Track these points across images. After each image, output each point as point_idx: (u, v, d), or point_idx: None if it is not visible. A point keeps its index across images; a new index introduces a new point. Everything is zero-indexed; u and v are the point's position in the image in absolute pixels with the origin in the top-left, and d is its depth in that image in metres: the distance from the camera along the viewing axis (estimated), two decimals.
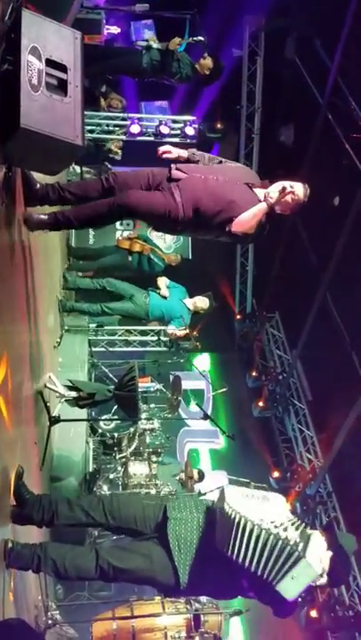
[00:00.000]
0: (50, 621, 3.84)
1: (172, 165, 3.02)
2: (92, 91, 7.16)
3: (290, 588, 2.27)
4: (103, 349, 7.27)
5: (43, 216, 2.90)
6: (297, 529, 2.35)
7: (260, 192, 2.98)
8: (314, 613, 5.97)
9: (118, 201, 2.94)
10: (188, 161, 3.15)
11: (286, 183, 2.93)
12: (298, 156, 6.94)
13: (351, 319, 6.54)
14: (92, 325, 7.51)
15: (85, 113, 7.27)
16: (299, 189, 2.94)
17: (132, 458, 5.56)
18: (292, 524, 2.36)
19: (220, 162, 3.16)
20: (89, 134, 7.29)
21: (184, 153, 3.16)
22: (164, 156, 3.13)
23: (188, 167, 3.03)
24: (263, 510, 2.37)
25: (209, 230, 3.08)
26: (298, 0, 6.74)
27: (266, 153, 7.76)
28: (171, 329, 6.00)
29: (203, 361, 8.55)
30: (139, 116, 7.32)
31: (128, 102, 7.45)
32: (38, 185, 2.91)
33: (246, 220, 2.90)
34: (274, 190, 2.91)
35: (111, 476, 5.47)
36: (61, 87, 2.47)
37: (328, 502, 6.88)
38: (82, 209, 3.04)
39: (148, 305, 5.77)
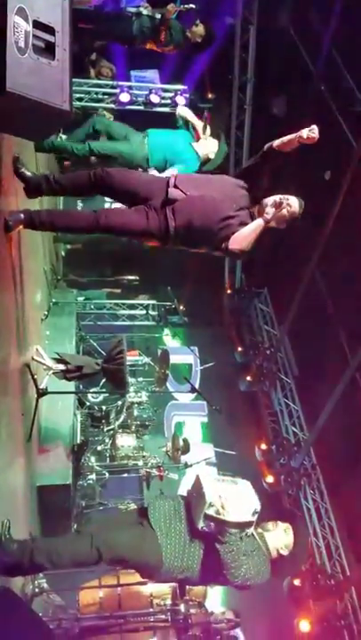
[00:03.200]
0: (37, 589, 3.90)
1: (171, 179, 2.93)
2: (82, 57, 6.98)
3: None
4: (91, 323, 7.26)
5: (20, 215, 2.80)
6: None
7: (255, 209, 2.98)
8: (297, 582, 6.14)
9: (102, 222, 2.86)
10: None
11: (281, 196, 2.91)
12: (290, 128, 6.84)
13: (338, 295, 6.56)
14: (80, 299, 7.48)
15: (74, 80, 7.06)
16: (294, 202, 2.92)
17: (120, 430, 5.60)
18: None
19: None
20: (77, 102, 7.12)
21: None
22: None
23: (187, 184, 2.93)
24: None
25: (202, 247, 3.06)
26: None
27: (258, 124, 7.64)
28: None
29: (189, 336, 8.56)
30: (128, 84, 7.15)
31: (118, 70, 7.27)
32: (30, 174, 2.89)
33: (244, 237, 2.87)
34: (268, 205, 2.88)
35: (99, 448, 5.52)
36: (49, 50, 2.39)
37: (312, 474, 7.00)
38: (62, 217, 3.07)
39: (146, 146, 4.66)
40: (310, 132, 2.91)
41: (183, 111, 4.98)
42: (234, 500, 2.57)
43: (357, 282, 6.05)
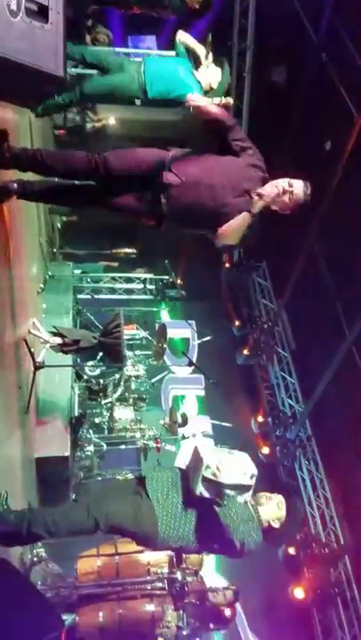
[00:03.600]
0: (35, 559, 3.97)
1: (168, 159, 2.71)
2: (77, 23, 6.78)
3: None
4: (88, 296, 7.22)
5: (12, 184, 2.68)
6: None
7: (255, 192, 2.78)
8: (292, 550, 6.27)
9: (102, 204, 2.79)
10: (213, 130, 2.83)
11: (284, 182, 2.73)
12: (290, 97, 6.71)
13: (338, 268, 6.53)
14: (77, 272, 7.43)
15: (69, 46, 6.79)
16: (298, 188, 2.74)
17: (118, 403, 5.63)
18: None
19: (242, 150, 2.82)
20: (72, 69, 6.95)
21: (217, 116, 2.79)
22: (191, 109, 2.85)
23: (185, 168, 2.72)
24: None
25: (197, 232, 2.97)
26: None
27: (257, 93, 7.48)
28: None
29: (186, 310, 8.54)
30: (125, 50, 6.97)
31: (114, 36, 7.07)
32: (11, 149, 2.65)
33: (229, 232, 2.75)
34: (266, 192, 2.73)
35: (97, 421, 5.56)
36: (42, 13, 2.31)
37: (307, 446, 7.08)
38: (59, 191, 2.87)
39: (143, 75, 4.15)
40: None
41: (184, 37, 4.58)
42: (230, 462, 2.62)
43: (357, 255, 6.01)
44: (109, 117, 7.34)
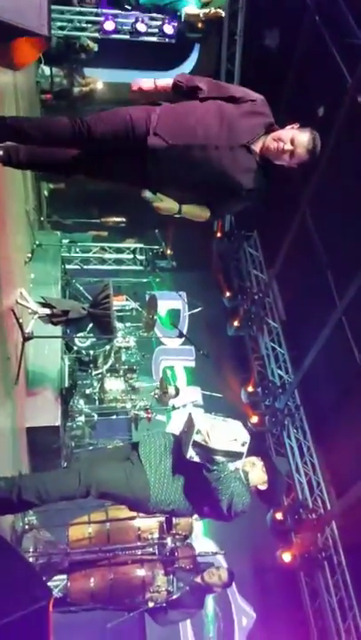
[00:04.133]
0: (26, 526, 4.01)
1: (153, 121, 2.42)
2: None
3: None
4: (77, 267, 7.14)
5: None
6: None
7: (258, 144, 2.49)
8: (279, 516, 6.40)
9: (90, 172, 2.59)
10: (175, 90, 2.54)
11: (286, 136, 2.43)
12: (283, 61, 6.54)
13: (329, 238, 6.48)
14: (65, 241, 7.33)
15: (55, 7, 6.66)
16: (301, 146, 2.42)
17: (108, 374, 5.63)
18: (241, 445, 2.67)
19: (231, 98, 2.49)
20: (59, 31, 6.73)
21: (167, 82, 2.55)
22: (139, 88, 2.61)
23: (172, 128, 2.43)
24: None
25: (192, 199, 2.63)
26: None
27: (249, 57, 7.29)
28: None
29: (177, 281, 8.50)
30: (113, 12, 6.75)
31: None
32: None
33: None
34: (272, 144, 2.43)
35: (87, 392, 5.56)
36: None
37: (296, 415, 7.16)
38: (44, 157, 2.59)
39: None
40: None
41: None
42: (221, 429, 2.64)
43: (349, 224, 5.97)
44: (97, 81, 7.15)
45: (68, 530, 4.28)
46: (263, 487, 2.83)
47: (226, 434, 2.64)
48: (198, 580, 3.94)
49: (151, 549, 4.05)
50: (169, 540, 3.94)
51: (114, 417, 5.54)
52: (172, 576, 3.95)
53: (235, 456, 2.66)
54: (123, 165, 2.56)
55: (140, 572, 4.08)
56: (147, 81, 2.64)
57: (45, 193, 7.89)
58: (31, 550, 4.02)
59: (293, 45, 6.31)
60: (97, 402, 5.49)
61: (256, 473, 2.82)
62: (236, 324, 8.36)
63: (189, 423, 2.70)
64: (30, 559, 3.94)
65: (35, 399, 4.52)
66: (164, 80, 2.59)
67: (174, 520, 3.99)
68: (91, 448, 5.40)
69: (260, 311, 8.22)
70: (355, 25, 5.52)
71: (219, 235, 9.12)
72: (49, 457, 4.67)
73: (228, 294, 8.70)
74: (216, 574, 3.91)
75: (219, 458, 2.62)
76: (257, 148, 2.47)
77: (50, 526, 4.37)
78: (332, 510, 6.35)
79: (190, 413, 2.74)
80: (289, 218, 7.03)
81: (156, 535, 4.09)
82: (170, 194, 2.57)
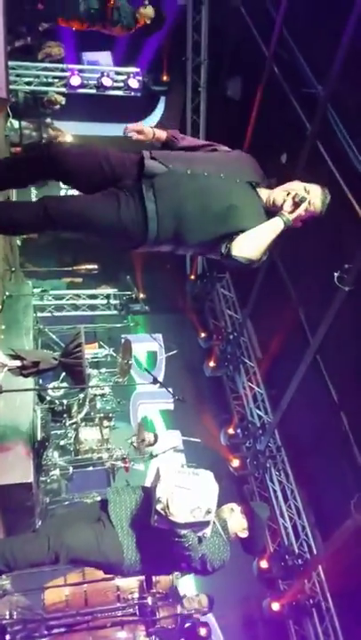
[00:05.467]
0: (0, 591, 3.82)
1: (145, 153, 2.20)
2: (28, 39, 6.72)
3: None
4: (49, 314, 7.10)
5: None
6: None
7: (263, 193, 2.28)
8: (264, 564, 6.23)
9: (50, 213, 2.13)
10: (165, 146, 2.33)
11: (300, 188, 2.23)
12: (246, 110, 6.77)
13: (298, 277, 6.59)
14: (37, 290, 7.30)
15: (21, 64, 6.82)
16: (316, 195, 2.25)
17: (83, 424, 5.50)
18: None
19: (215, 149, 2.38)
20: (26, 86, 6.89)
21: (162, 134, 2.35)
22: (134, 137, 2.31)
23: (167, 156, 2.22)
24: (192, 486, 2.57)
25: (194, 248, 2.34)
26: None
27: (213, 107, 7.54)
28: None
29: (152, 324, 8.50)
30: (79, 67, 6.96)
31: (68, 53, 7.04)
32: None
33: (253, 241, 2.14)
34: (286, 198, 2.21)
35: (62, 443, 5.41)
36: None
37: (277, 456, 7.08)
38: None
39: None
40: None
41: None
42: (182, 499, 2.48)
43: (316, 264, 6.07)
44: (66, 134, 7.28)
45: (44, 593, 4.10)
46: (244, 535, 2.73)
47: (188, 503, 2.46)
48: (179, 609, 3.76)
49: (132, 610, 3.89)
50: (150, 600, 3.79)
51: (90, 468, 5.37)
52: (153, 637, 3.79)
53: (199, 526, 2.51)
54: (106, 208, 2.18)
55: (121, 635, 3.92)
56: (146, 127, 2.41)
57: (18, 242, 7.90)
58: (7, 616, 3.82)
59: (255, 95, 6.55)
60: (72, 453, 5.34)
61: (235, 520, 2.73)
62: (211, 364, 8.36)
63: (156, 480, 2.62)
64: (6, 626, 3.74)
65: (5, 455, 4.37)
66: (159, 131, 2.41)
67: (154, 578, 3.84)
68: (66, 503, 5.22)
69: (236, 350, 8.24)
70: (311, 75, 5.78)
71: (192, 277, 9.24)
72: (22, 515, 4.49)
73: (203, 335, 8.74)
74: (196, 600, 3.77)
75: (181, 531, 2.48)
76: (263, 195, 2.28)
77: (25, 590, 4.17)
78: (318, 555, 6.20)
79: (158, 469, 2.65)
80: None
81: (137, 595, 3.95)
82: (164, 232, 2.18)
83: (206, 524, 2.53)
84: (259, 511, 2.79)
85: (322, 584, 6.05)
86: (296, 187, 2.26)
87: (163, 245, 2.25)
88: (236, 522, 2.74)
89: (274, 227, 2.19)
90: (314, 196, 2.26)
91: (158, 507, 2.48)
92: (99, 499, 5.12)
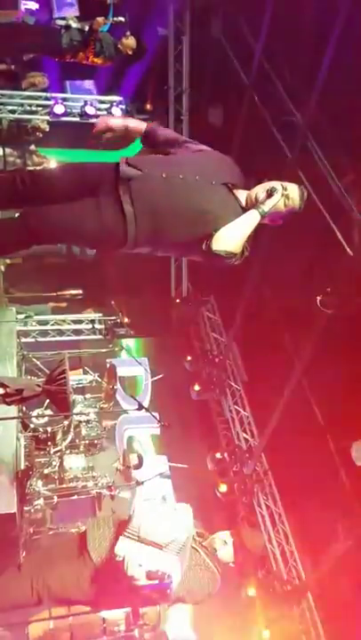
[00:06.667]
0: None
1: (122, 159, 2.26)
2: (12, 69, 6.83)
3: None
4: (33, 340, 7.05)
5: None
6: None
7: (241, 194, 2.34)
8: (252, 591, 6.14)
9: (31, 226, 2.19)
10: (147, 138, 2.36)
11: (276, 183, 2.30)
12: (228, 137, 6.90)
13: (282, 299, 6.65)
14: (21, 316, 7.26)
15: (5, 92, 6.89)
16: (293, 192, 2.31)
17: (68, 451, 5.43)
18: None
19: (200, 150, 2.41)
20: (10, 115, 6.95)
21: (139, 125, 2.39)
22: (104, 138, 2.40)
23: (143, 161, 2.28)
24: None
25: (173, 249, 2.45)
26: None
27: (196, 134, 7.66)
28: None
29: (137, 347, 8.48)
30: (63, 95, 7.04)
31: (52, 82, 7.15)
32: None
33: (232, 233, 2.20)
34: (261, 192, 2.27)
35: (46, 471, 5.32)
36: None
37: (264, 480, 7.03)
38: None
39: None
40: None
41: None
42: (137, 563, 2.39)
43: (300, 286, 6.14)
44: (50, 161, 7.33)
45: (28, 627, 4.00)
46: (232, 564, 2.69)
47: (147, 565, 2.37)
48: None
49: None
50: (136, 632, 3.71)
51: (75, 497, 5.28)
52: None
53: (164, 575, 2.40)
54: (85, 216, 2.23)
55: None
56: (116, 119, 2.46)
57: (2, 268, 7.89)
58: None
59: (236, 122, 6.68)
60: (57, 482, 5.25)
61: (227, 552, 2.67)
62: (197, 387, 8.33)
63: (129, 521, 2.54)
64: None
65: None
66: (136, 122, 2.45)
67: (141, 610, 3.77)
68: (51, 533, 5.11)
69: (222, 373, 8.24)
70: (290, 102, 5.93)
71: (177, 300, 9.26)
72: (6, 546, 4.39)
73: (188, 358, 8.72)
74: None
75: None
76: (241, 196, 2.32)
77: (8, 624, 4.06)
78: (307, 581, 6.13)
79: (134, 504, 2.58)
80: (242, 281, 7.19)
81: (123, 627, 3.86)
82: (143, 234, 2.23)
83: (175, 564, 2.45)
84: (252, 542, 2.75)
85: (311, 610, 5.97)
86: (272, 182, 2.34)
87: (142, 247, 2.31)
88: (227, 554, 2.69)
89: (250, 218, 2.24)
90: (291, 191, 2.32)
91: (118, 559, 2.41)
92: (84, 529, 5.05)
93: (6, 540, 4.42)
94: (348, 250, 5.19)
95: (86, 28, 5.39)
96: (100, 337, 7.99)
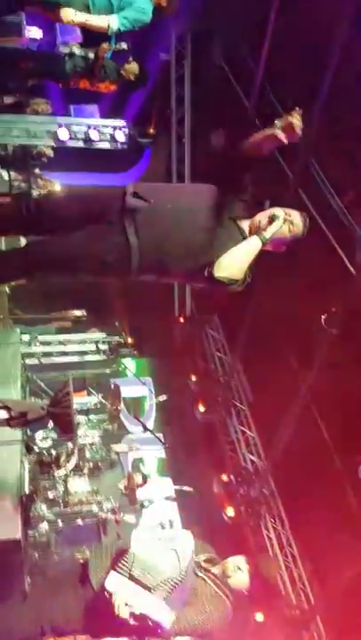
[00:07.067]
0: None
1: (129, 187, 2.30)
2: (17, 95, 6.93)
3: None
4: (37, 362, 7.05)
5: None
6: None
7: (245, 223, 2.39)
8: (260, 617, 6.01)
9: (35, 255, 2.25)
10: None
11: (278, 210, 2.34)
12: (230, 160, 6.96)
13: (285, 318, 6.63)
14: (25, 337, 7.28)
15: (10, 118, 6.95)
16: (296, 219, 2.34)
17: (72, 474, 5.38)
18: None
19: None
20: (15, 140, 7.05)
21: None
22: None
23: (150, 190, 2.32)
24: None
25: (177, 277, 2.47)
26: (221, 5, 6.76)
27: (198, 157, 7.76)
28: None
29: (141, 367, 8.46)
30: (67, 120, 7.14)
31: (56, 106, 7.25)
32: None
33: (233, 260, 2.23)
34: (263, 219, 2.30)
35: (50, 496, 5.26)
36: None
37: (272, 503, 6.94)
38: None
39: None
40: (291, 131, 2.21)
41: None
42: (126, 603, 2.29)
43: (304, 305, 6.14)
44: (54, 184, 7.42)
45: None
46: (246, 592, 2.53)
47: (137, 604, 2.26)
48: None
49: None
50: None
51: (80, 521, 5.21)
52: None
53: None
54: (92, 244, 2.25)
55: None
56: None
57: (7, 290, 7.92)
58: None
59: (238, 145, 6.74)
60: (61, 505, 5.19)
61: (239, 579, 2.52)
62: (201, 408, 8.27)
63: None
64: None
65: None
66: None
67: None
68: (56, 558, 5.04)
69: (227, 393, 8.19)
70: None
71: (181, 319, 9.26)
72: (11, 572, 4.34)
73: (193, 378, 8.69)
74: None
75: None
76: (244, 226, 2.36)
77: None
78: (316, 604, 6.01)
79: (133, 536, 2.51)
80: (245, 300, 7.20)
81: None
82: (146, 264, 2.27)
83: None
84: (267, 569, 2.60)
85: (320, 634, 5.84)
86: (274, 209, 2.37)
87: (146, 275, 2.34)
88: (241, 581, 2.54)
89: (252, 245, 2.27)
90: (295, 218, 2.35)
91: (107, 595, 2.33)
92: (88, 554, 4.97)
93: (11, 566, 4.36)
94: (350, 268, 5.21)
95: (90, 55, 5.47)
96: (104, 357, 7.97)
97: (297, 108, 2.27)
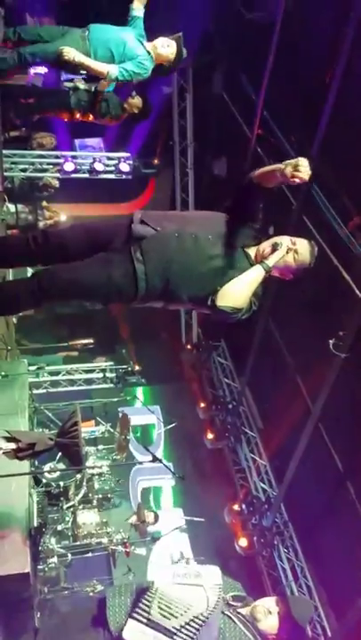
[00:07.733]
0: None
1: (136, 214, 2.36)
2: (23, 129, 7.09)
3: None
4: (44, 392, 7.04)
5: None
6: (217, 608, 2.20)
7: (252, 251, 2.40)
8: None
9: (43, 285, 2.26)
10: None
11: (284, 238, 2.35)
12: (232, 188, 7.04)
13: (293, 343, 6.60)
14: (33, 367, 7.28)
15: (16, 152, 7.10)
16: (303, 247, 2.34)
17: (81, 506, 5.31)
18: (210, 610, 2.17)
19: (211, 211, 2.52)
20: (21, 173, 7.20)
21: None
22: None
23: (157, 218, 2.35)
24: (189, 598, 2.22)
25: (183, 304, 2.42)
26: (221, 36, 6.94)
27: (201, 186, 7.86)
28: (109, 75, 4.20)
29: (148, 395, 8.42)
30: (72, 153, 7.30)
31: (61, 139, 7.42)
32: None
33: (235, 289, 2.24)
34: (267, 247, 2.32)
35: (59, 528, 5.19)
36: None
37: (285, 532, 6.78)
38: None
39: (88, 42, 4.12)
40: (296, 171, 2.17)
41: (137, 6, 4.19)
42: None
43: (312, 330, 6.11)
44: (60, 215, 7.54)
45: None
46: (273, 636, 2.30)
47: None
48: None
49: None
50: None
51: (89, 554, 5.13)
52: None
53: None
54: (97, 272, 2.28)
55: None
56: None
57: (14, 320, 7.97)
58: None
59: (240, 173, 6.83)
60: (70, 538, 5.12)
61: (270, 623, 2.29)
62: (210, 436, 8.16)
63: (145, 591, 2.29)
64: None
65: (1, 544, 4.18)
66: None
67: None
68: (66, 593, 4.94)
69: (236, 420, 8.10)
70: (293, 153, 6.07)
71: (188, 346, 9.24)
72: (19, 607, 4.24)
73: (202, 405, 8.61)
74: None
75: None
76: (252, 253, 2.37)
77: None
78: (332, 636, 5.82)
79: (155, 581, 2.36)
80: (253, 325, 7.19)
81: None
82: (153, 290, 2.28)
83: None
84: (298, 613, 2.29)
85: None
86: (281, 238, 2.36)
87: (153, 302, 2.36)
88: (271, 625, 2.30)
89: (254, 274, 2.27)
90: (301, 246, 2.33)
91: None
92: (99, 587, 4.86)
93: (20, 600, 4.26)
94: (358, 293, 5.19)
95: (93, 89, 5.61)
96: (112, 385, 7.96)
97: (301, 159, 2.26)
